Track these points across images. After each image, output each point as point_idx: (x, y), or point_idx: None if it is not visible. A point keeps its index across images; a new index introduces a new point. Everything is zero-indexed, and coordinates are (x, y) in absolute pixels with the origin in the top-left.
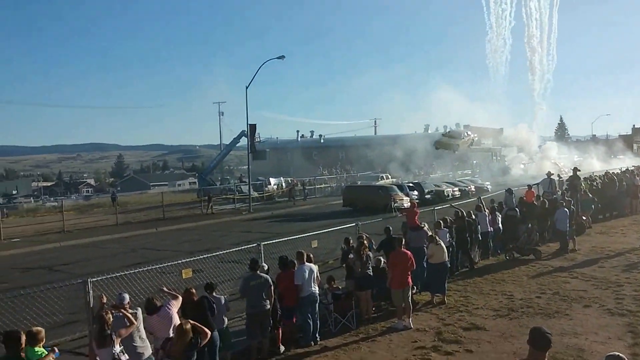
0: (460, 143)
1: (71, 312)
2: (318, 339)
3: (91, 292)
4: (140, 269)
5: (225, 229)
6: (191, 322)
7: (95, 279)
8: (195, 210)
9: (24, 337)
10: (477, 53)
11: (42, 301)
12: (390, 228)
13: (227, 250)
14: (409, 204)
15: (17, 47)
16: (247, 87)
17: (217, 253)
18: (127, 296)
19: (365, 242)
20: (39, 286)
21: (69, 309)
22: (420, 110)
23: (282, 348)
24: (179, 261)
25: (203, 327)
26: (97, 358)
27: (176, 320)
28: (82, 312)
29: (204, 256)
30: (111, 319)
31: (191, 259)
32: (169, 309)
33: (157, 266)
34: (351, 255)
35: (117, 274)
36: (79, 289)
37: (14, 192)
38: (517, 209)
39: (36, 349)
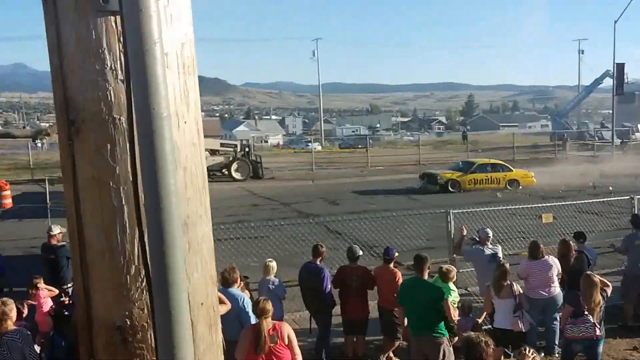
0: None
1: (429, 239)
2: None
3: (452, 222)
4: (496, 208)
5: (581, 176)
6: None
7: (456, 211)
8: (546, 154)
9: (430, 262)
10: None
11: (411, 224)
12: None
13: (589, 201)
14: None
15: None
16: (615, 22)
17: (576, 202)
18: (490, 231)
19: None
20: (403, 210)
21: (427, 235)
22: None
23: None
24: (535, 205)
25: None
26: (494, 304)
27: (553, 271)
28: (440, 240)
29: (562, 203)
30: (509, 272)
31: (546, 204)
32: (551, 260)
33: (513, 207)
34: None
35: (475, 210)
36: (440, 218)
37: (377, 125)
38: None
39: (450, 285)
